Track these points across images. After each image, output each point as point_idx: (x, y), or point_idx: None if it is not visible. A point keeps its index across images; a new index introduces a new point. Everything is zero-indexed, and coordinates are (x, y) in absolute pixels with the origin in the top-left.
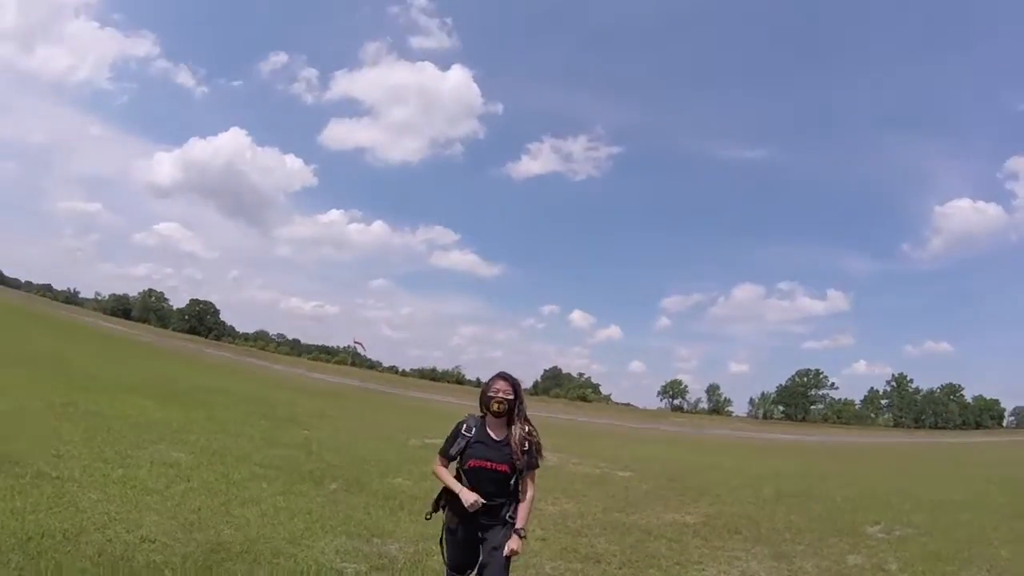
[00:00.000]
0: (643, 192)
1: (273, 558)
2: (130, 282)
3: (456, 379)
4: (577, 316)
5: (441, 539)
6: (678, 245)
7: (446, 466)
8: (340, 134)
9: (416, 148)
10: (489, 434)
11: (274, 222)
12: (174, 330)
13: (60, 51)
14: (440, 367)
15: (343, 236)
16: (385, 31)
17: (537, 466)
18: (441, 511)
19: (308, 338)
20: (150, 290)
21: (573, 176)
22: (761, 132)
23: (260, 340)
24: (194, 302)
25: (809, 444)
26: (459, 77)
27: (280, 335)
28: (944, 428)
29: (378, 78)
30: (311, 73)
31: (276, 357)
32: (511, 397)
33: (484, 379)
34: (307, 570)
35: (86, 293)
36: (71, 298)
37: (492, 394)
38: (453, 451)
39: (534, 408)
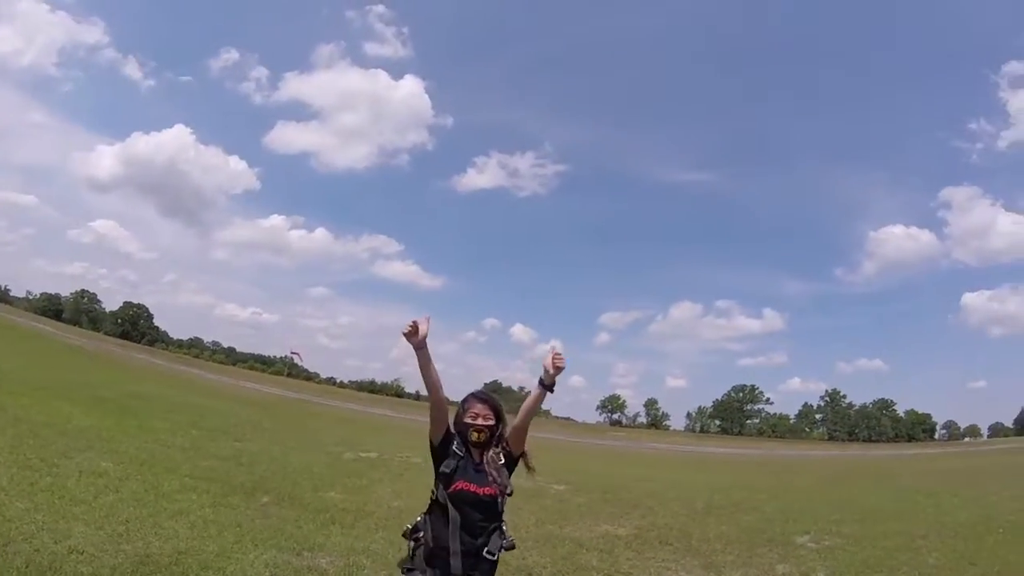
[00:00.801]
0: (586, 210)
1: (201, 571)
2: (63, 281)
3: (396, 392)
4: (518, 330)
5: None
6: (618, 263)
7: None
8: (286, 137)
9: (363, 155)
10: (474, 458)
11: (213, 224)
12: (106, 333)
13: (8, 31)
14: (379, 379)
15: (284, 242)
16: (340, 35)
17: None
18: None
19: (244, 346)
20: (83, 291)
21: (518, 192)
22: (704, 158)
23: (194, 347)
24: (127, 305)
25: (744, 457)
26: (411, 87)
27: (215, 342)
28: (877, 441)
29: (329, 82)
30: (261, 73)
31: (210, 365)
32: (492, 423)
33: (424, 393)
34: None
35: (17, 291)
36: (1, 295)
37: (470, 420)
38: (446, 468)
39: None
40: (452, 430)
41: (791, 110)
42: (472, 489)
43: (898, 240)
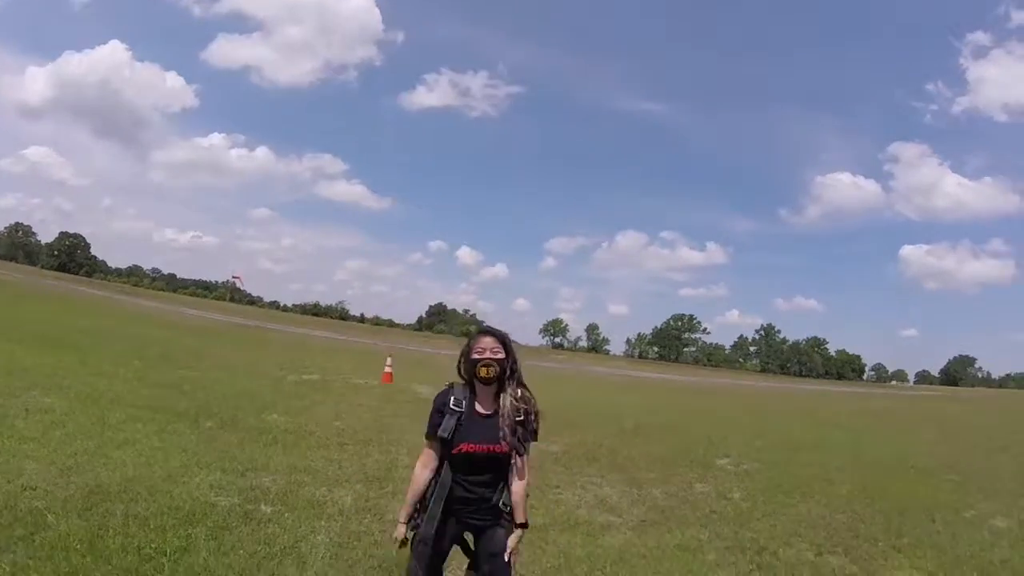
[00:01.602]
0: (538, 134)
1: (150, 496)
2: None
3: (340, 315)
4: (464, 253)
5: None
6: (567, 189)
7: (436, 453)
8: (227, 51)
9: (308, 71)
10: (478, 408)
11: (150, 145)
12: (43, 267)
13: None
14: (324, 302)
15: (223, 162)
16: None
17: (535, 439)
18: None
19: (184, 272)
20: (17, 224)
21: (469, 112)
22: (659, 89)
23: (134, 276)
24: (63, 235)
25: (678, 384)
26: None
27: (155, 270)
28: (807, 377)
29: None
30: None
31: (151, 294)
32: (501, 356)
33: (370, 315)
34: (182, 505)
35: None
36: None
37: (478, 355)
38: (444, 432)
39: (416, 344)
40: (461, 372)
41: (750, 50)
42: (483, 448)
43: (844, 187)
